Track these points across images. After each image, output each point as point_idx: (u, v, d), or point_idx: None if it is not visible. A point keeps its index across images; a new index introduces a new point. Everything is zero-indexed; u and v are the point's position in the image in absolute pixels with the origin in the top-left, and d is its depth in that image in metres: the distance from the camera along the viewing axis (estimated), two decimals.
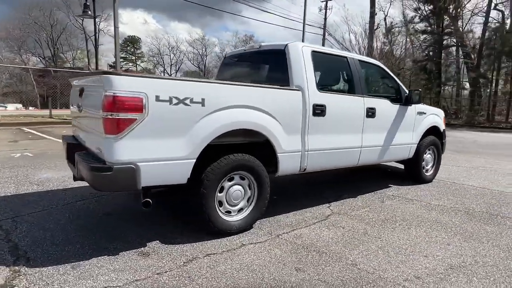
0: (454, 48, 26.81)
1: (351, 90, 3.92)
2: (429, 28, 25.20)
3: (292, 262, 2.54)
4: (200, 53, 56.55)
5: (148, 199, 2.56)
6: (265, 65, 4.02)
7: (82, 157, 2.66)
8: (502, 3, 24.42)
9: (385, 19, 30.44)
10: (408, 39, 25.86)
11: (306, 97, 3.30)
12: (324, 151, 3.57)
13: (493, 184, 5.32)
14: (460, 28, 24.24)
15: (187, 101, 2.54)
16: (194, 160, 2.65)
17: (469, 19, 24.75)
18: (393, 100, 4.41)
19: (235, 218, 2.98)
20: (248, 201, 3.07)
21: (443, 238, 3.09)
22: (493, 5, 24.52)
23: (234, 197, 2.96)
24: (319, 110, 3.41)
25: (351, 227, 3.27)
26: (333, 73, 4.18)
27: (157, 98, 2.42)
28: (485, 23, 23.80)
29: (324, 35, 30.39)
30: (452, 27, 23.96)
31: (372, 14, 30.14)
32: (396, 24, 27.34)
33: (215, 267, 2.42)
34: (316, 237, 3.02)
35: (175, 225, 3.16)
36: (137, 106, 2.34)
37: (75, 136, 3.39)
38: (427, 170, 5.21)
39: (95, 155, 2.60)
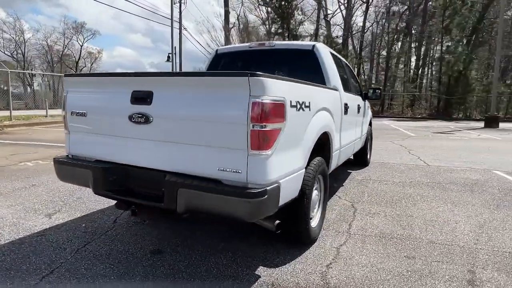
0: None
1: (350, 89, 4.32)
2: (280, 30, 28.58)
3: (394, 251, 2.76)
4: (15, 40, 45.52)
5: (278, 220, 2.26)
6: (285, 65, 3.93)
7: (197, 184, 2.05)
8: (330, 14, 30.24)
9: (238, 19, 32.72)
10: (264, 39, 28.59)
11: (341, 97, 3.50)
12: (345, 148, 3.86)
13: (411, 160, 6.84)
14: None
15: (303, 106, 2.35)
16: (305, 170, 2.48)
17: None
18: (361, 96, 5.09)
19: (313, 224, 2.93)
20: (318, 205, 3.05)
21: (442, 206, 3.91)
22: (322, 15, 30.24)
23: (314, 203, 2.90)
24: (345, 109, 3.67)
25: (379, 211, 3.71)
26: (340, 73, 4.48)
27: (291, 104, 2.15)
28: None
29: (180, 29, 30.01)
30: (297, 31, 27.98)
31: (227, 14, 31.93)
32: (251, 23, 29.91)
33: (345, 271, 2.40)
34: (371, 225, 3.31)
35: (266, 245, 2.85)
36: (281, 114, 2.02)
37: (108, 158, 2.49)
38: (368, 155, 6.22)
39: (178, 181, 2.09)
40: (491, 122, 16.24)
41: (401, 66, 31.69)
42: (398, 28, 30.00)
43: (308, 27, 31.02)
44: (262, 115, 1.88)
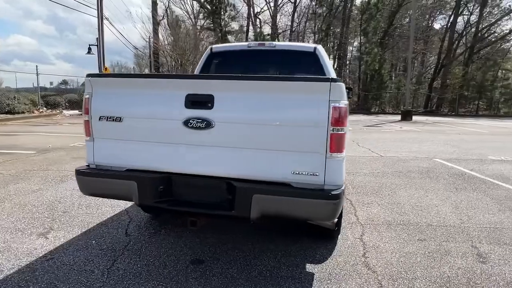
0: None
1: None
2: (212, 26, 28.26)
3: (406, 236, 3.12)
4: None
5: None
6: (286, 65, 3.97)
7: (277, 190, 2.03)
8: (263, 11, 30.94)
9: (166, 11, 31.33)
10: (195, 34, 27.93)
11: None
12: None
13: (365, 152, 7.52)
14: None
15: None
16: None
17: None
18: None
19: None
20: None
21: (417, 193, 4.48)
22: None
23: None
24: None
25: (371, 201, 4.10)
26: None
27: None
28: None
29: (101, 19, 27.60)
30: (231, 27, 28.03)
31: (154, 6, 30.33)
32: (181, 17, 28.92)
33: (381, 259, 2.65)
34: (373, 215, 3.65)
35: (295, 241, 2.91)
36: (347, 118, 2.12)
37: (152, 168, 2.28)
38: None
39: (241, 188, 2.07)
40: (406, 116, 18.70)
41: None
42: (323, 28, 32.13)
43: (240, 24, 31.28)
44: (340, 119, 1.96)
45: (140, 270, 2.41)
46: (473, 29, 32.02)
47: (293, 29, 32.34)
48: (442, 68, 29.80)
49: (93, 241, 2.83)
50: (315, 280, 2.35)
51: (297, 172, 2.04)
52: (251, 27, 31.53)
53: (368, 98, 27.14)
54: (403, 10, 28.94)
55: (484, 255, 2.77)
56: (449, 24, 32.28)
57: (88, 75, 2.33)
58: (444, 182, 5.07)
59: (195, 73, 4.18)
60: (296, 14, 32.34)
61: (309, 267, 2.53)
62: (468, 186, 4.87)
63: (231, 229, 3.14)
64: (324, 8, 32.87)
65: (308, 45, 3.92)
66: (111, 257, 2.57)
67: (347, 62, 36.22)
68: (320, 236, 2.95)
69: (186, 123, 2.12)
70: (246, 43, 3.99)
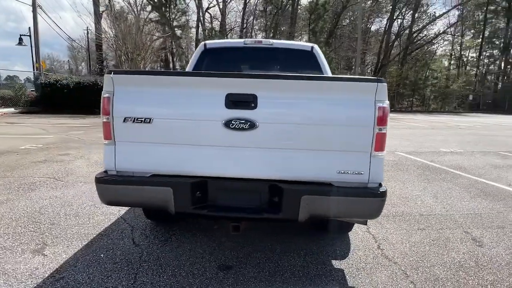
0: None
1: None
2: (160, 19, 27.08)
3: (407, 226, 3.34)
4: None
5: None
6: (283, 64, 3.94)
7: (327, 190, 2.02)
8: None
9: (110, 1, 29.32)
10: (141, 27, 26.55)
11: None
12: None
13: None
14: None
15: None
16: None
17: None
18: None
19: None
20: None
21: (397, 185, 4.80)
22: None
23: None
24: None
25: None
26: None
27: None
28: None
29: (35, 7, 24.95)
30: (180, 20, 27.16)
31: None
32: (127, 8, 27.23)
33: (396, 250, 2.82)
34: None
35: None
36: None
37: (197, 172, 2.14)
38: None
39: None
40: None
41: None
42: (272, 26, 32.67)
43: (190, 18, 30.45)
44: (384, 118, 2.02)
45: (169, 282, 2.25)
46: (407, 32, 35.12)
47: (244, 26, 32.40)
48: (382, 67, 32.20)
49: (102, 255, 2.57)
50: (347, 276, 2.40)
51: (342, 171, 2.06)
52: (201, 22, 30.90)
53: None
54: (345, 11, 30.64)
55: (478, 239, 3.08)
56: (386, 26, 34.98)
57: (110, 72, 2.09)
58: (415, 174, 5.50)
59: (187, 70, 3.98)
60: (245, 11, 32.41)
61: (336, 263, 2.58)
62: (436, 177, 5.35)
63: (244, 232, 3.07)
64: (271, 7, 33.42)
65: (305, 43, 3.95)
66: (130, 271, 2.36)
67: None
68: (337, 232, 3.02)
69: (228, 124, 2.01)
70: (242, 40, 3.90)
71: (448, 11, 37.05)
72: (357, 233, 3.12)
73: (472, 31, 41.30)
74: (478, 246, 2.93)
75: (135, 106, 2.09)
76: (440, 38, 37.41)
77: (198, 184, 2.09)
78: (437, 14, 37.98)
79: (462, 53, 42.46)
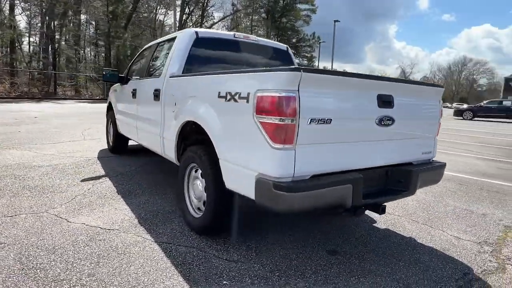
0: None
1: None
2: None
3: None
4: None
5: None
6: (263, 59, 4.00)
7: (430, 167, 2.73)
8: None
9: None
10: None
11: None
12: None
13: None
14: None
15: None
16: None
17: None
18: None
19: None
20: None
21: None
22: None
23: None
24: None
25: None
26: None
27: None
28: None
29: None
30: None
31: None
32: None
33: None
34: None
35: None
36: None
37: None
38: None
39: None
40: None
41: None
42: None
43: None
44: (442, 112, 2.94)
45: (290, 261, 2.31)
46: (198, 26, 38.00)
47: None
48: None
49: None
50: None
51: (423, 152, 2.82)
52: None
53: None
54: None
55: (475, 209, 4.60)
56: (179, 21, 36.46)
57: (298, 69, 1.89)
58: None
59: (171, 57, 3.42)
60: None
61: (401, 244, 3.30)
62: None
63: (337, 223, 3.26)
64: None
65: (281, 44, 4.24)
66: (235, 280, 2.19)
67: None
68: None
69: (380, 121, 2.33)
70: (232, 33, 3.76)
71: (226, 17, 42.90)
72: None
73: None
74: None
75: (319, 107, 2.02)
76: None
77: (364, 177, 2.29)
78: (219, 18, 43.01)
79: None
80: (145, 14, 33.67)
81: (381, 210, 2.54)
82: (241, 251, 2.60)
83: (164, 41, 4.05)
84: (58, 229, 2.79)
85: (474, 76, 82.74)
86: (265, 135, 2.00)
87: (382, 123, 2.36)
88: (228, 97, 2.31)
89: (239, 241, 2.76)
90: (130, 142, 5.84)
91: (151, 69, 4.16)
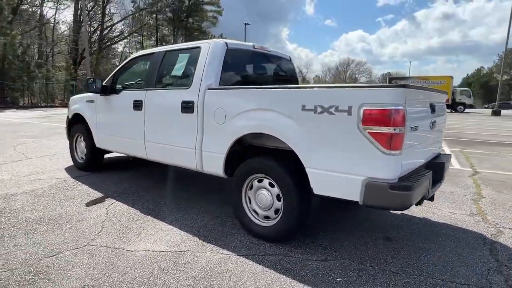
0: None
1: None
2: None
3: None
4: None
5: None
6: (274, 68, 4.13)
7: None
8: None
9: None
10: None
11: None
12: None
13: None
14: None
15: None
16: None
17: None
18: None
19: None
20: None
21: None
22: None
23: None
24: None
25: None
26: None
27: None
28: None
29: None
30: None
31: None
32: None
33: None
34: None
35: None
36: None
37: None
38: None
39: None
40: None
41: None
42: None
43: None
44: None
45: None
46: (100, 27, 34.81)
47: None
48: (82, 59, 30.28)
49: (338, 279, 2.38)
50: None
51: (439, 147, 3.47)
52: None
53: (12, 90, 22.32)
54: None
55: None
56: (79, 18, 32.79)
57: (405, 86, 2.22)
58: None
59: (204, 69, 3.34)
60: None
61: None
62: None
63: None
64: None
65: (284, 53, 4.43)
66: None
67: None
68: None
69: (432, 124, 2.85)
70: (251, 44, 3.83)
71: (128, 16, 40.16)
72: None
73: (146, 33, 47.34)
74: None
75: (413, 116, 2.40)
76: (125, 36, 40.18)
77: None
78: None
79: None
80: (34, 8, 29.20)
81: (430, 199, 3.04)
82: (322, 251, 2.81)
83: (177, 50, 3.87)
84: (129, 261, 2.54)
85: (356, 75, 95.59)
86: (375, 143, 2.27)
87: (432, 126, 2.87)
88: (319, 110, 2.50)
89: (313, 243, 2.95)
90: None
91: (165, 80, 3.93)
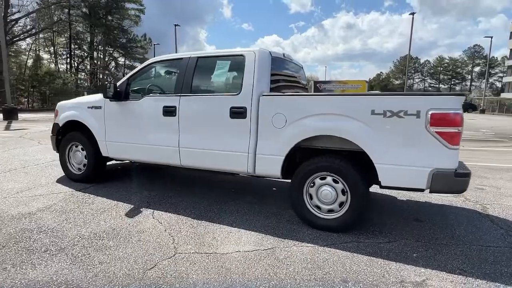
0: None
1: None
2: None
3: None
4: None
5: None
6: (296, 75, 4.42)
7: None
8: None
9: None
10: None
11: None
12: None
13: None
14: None
15: None
16: None
17: None
18: None
19: None
20: None
21: None
22: None
23: None
24: None
25: None
26: None
27: None
28: None
29: None
30: None
31: None
32: None
33: None
34: None
35: None
36: None
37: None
38: None
39: None
40: (11, 114, 15.88)
41: None
42: None
43: None
44: None
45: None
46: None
47: None
48: None
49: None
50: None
51: None
52: None
53: None
54: None
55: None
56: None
57: (463, 94, 2.80)
58: None
59: (255, 77, 3.50)
60: None
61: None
62: None
63: None
64: None
65: (298, 61, 4.75)
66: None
67: None
68: None
69: None
70: (281, 53, 4.09)
71: (35, 11, 35.50)
72: None
73: (55, 28, 42.49)
74: None
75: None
76: (34, 32, 35.57)
77: None
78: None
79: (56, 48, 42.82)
80: None
81: None
82: (379, 235, 3.26)
83: (213, 56, 3.91)
84: (233, 265, 2.61)
85: None
86: (441, 140, 2.80)
87: None
88: (388, 114, 2.94)
89: (367, 230, 3.38)
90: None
91: (203, 86, 3.93)
